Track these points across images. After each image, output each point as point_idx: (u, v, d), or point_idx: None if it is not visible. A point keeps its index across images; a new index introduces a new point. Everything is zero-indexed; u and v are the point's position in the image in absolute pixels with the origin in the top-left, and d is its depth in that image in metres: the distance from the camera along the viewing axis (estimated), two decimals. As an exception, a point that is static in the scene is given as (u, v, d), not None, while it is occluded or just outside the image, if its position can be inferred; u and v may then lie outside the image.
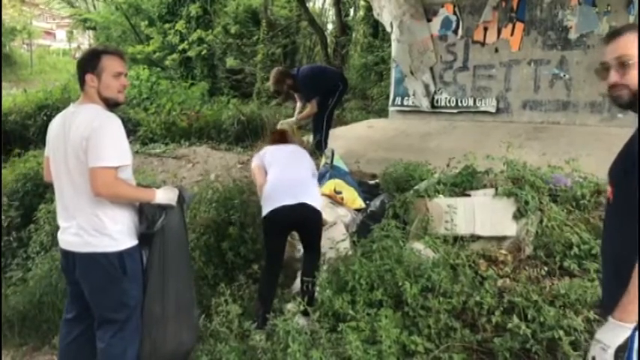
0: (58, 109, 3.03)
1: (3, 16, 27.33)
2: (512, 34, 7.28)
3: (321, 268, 3.43)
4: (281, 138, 4.10)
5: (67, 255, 2.61)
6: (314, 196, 3.47)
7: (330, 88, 5.87)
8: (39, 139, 8.09)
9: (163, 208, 2.65)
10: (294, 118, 5.96)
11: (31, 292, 4.12)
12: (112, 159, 2.43)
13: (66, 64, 26.82)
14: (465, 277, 2.99)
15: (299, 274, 3.70)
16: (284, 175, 3.52)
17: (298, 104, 5.96)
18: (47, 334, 3.91)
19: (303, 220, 3.44)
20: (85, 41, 29.96)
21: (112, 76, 2.56)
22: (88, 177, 2.43)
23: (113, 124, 2.49)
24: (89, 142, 2.41)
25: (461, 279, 2.98)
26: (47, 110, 9.08)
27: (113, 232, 2.51)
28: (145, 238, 2.64)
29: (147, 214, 2.62)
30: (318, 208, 3.46)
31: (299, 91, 5.92)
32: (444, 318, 2.73)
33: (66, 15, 26.95)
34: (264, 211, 3.42)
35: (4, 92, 12.79)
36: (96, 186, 2.41)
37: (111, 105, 2.60)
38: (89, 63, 2.57)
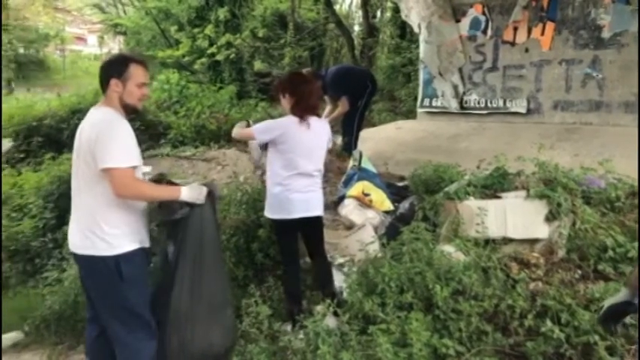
0: (91, 114, 3.08)
1: (38, 23, 28.14)
2: (542, 33, 7.16)
3: (349, 272, 3.43)
4: (312, 109, 3.39)
5: (74, 256, 2.64)
6: (321, 205, 3.46)
7: (358, 89, 5.85)
8: (72, 143, 8.25)
9: (190, 205, 2.66)
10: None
11: (66, 292, 4.20)
12: (120, 159, 2.43)
13: (97, 69, 27.34)
14: (496, 280, 2.96)
15: None
16: (300, 186, 3.32)
17: (328, 107, 5.95)
18: (82, 333, 3.95)
19: (310, 224, 3.43)
20: (116, 46, 30.57)
21: (136, 85, 2.61)
22: (95, 179, 2.46)
23: (119, 126, 2.51)
24: (96, 145, 2.44)
25: (492, 282, 2.95)
26: (80, 114, 9.23)
27: (108, 236, 2.49)
28: (171, 231, 2.66)
29: (166, 203, 2.66)
30: (322, 213, 3.49)
31: (327, 93, 5.91)
32: (475, 321, 2.70)
33: (97, 21, 27.56)
34: (274, 214, 3.37)
35: (38, 97, 13.10)
36: (115, 187, 2.43)
37: (129, 112, 2.64)
38: (116, 68, 2.61)
